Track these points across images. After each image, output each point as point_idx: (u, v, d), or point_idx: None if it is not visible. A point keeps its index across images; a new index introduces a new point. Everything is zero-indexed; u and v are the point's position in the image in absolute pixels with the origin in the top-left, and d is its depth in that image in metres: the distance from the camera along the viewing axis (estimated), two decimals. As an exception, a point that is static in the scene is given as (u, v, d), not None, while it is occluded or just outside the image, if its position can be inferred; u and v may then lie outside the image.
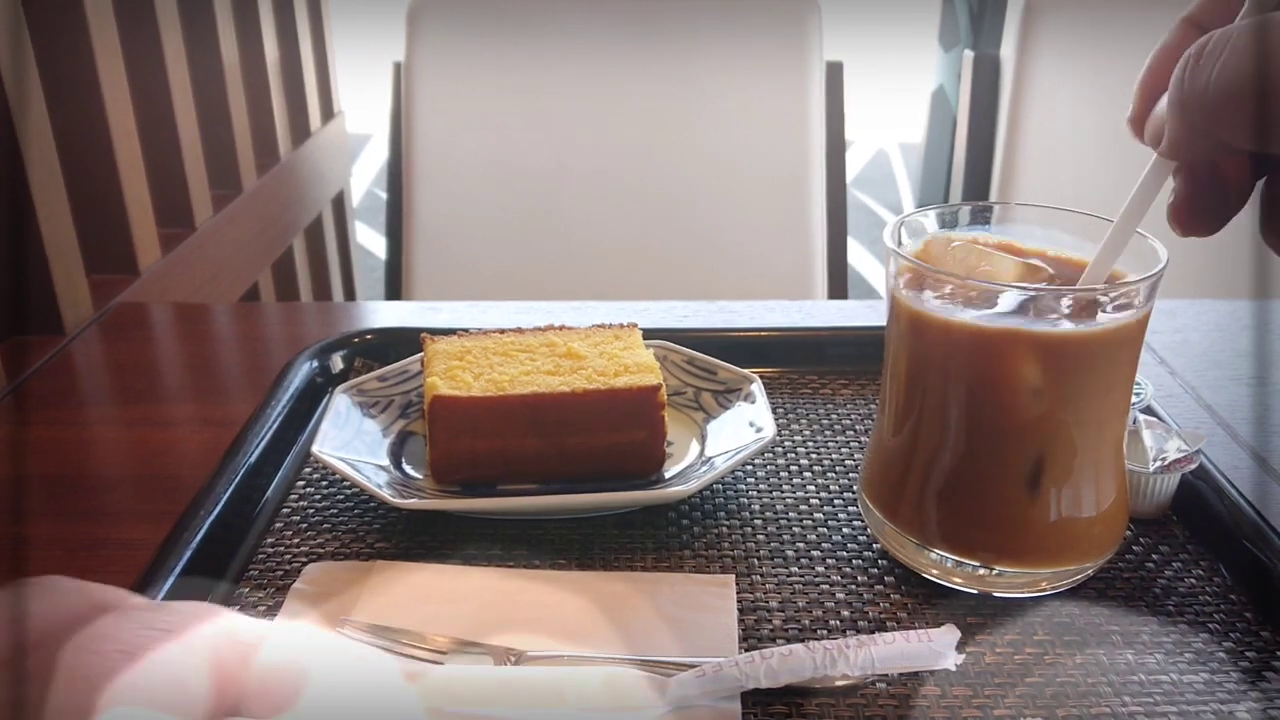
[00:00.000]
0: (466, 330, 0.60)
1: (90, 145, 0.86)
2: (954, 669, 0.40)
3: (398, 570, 0.48)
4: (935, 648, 0.40)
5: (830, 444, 0.60)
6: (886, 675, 0.42)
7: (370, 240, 2.57)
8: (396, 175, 1.27)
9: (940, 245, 0.46)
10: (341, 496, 0.54)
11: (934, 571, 0.47)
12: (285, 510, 0.53)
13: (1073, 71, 1.26)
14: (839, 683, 0.41)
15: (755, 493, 0.55)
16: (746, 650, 0.43)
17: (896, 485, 0.47)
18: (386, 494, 0.49)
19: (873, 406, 0.64)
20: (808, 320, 0.78)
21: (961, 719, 0.40)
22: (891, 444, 0.47)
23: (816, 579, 0.48)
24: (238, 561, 0.49)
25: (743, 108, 1.25)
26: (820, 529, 0.52)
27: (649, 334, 0.61)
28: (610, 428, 0.53)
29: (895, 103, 3.42)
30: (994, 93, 1.31)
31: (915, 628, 0.43)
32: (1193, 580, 0.48)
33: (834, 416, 0.63)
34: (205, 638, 0.28)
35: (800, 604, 0.47)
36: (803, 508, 0.54)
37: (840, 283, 1.28)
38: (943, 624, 0.41)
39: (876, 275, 2.62)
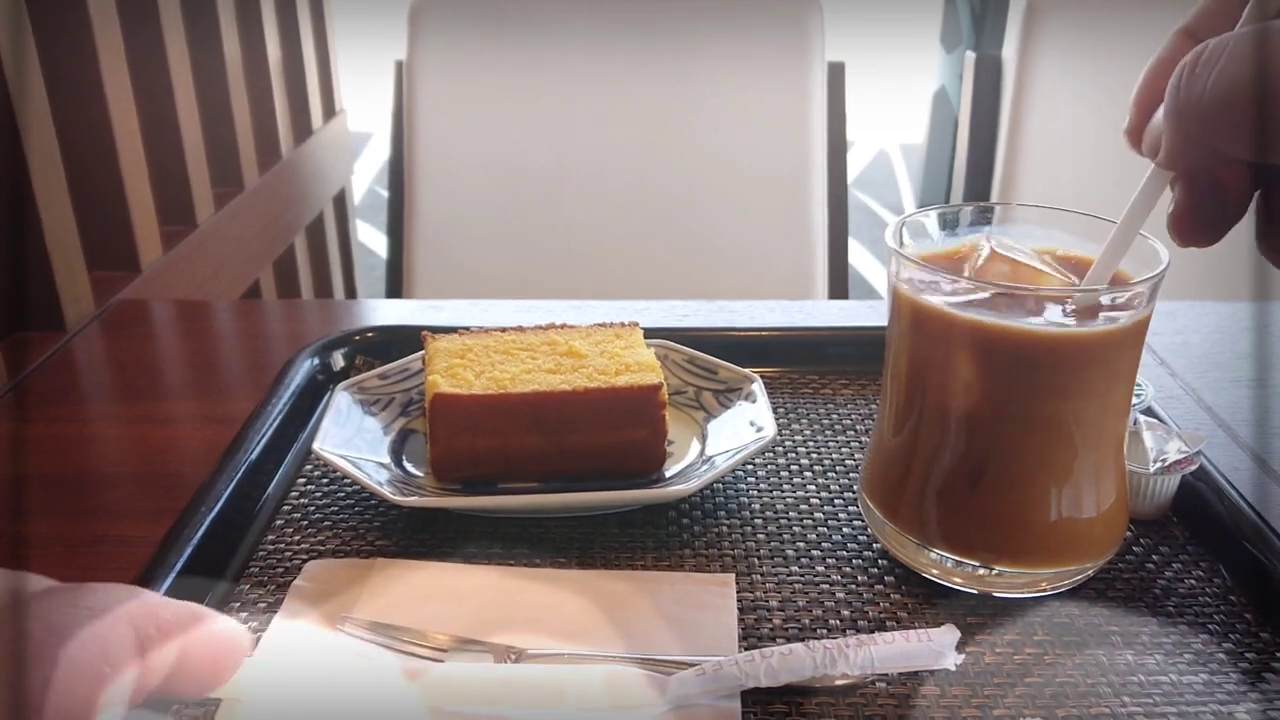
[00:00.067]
0: (467, 328, 0.60)
1: (92, 142, 0.86)
2: (954, 669, 0.40)
3: (398, 568, 0.48)
4: (935, 647, 0.40)
5: (831, 444, 0.60)
6: (886, 675, 0.42)
7: (371, 238, 2.57)
8: (398, 174, 1.27)
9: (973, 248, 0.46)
10: (342, 494, 0.55)
11: (934, 571, 0.47)
12: (286, 507, 0.53)
13: (1074, 72, 1.26)
14: (839, 682, 0.41)
15: (755, 492, 0.55)
16: (746, 649, 0.43)
17: (897, 485, 0.47)
18: (387, 492, 0.49)
19: (873, 406, 0.64)
20: (808, 320, 0.78)
21: (961, 719, 0.40)
22: (892, 444, 0.47)
23: (816, 578, 0.48)
24: (238, 559, 0.49)
25: (744, 108, 1.25)
26: (820, 528, 0.52)
27: (650, 333, 0.61)
28: (611, 426, 0.53)
29: (897, 103, 3.42)
30: (996, 93, 1.31)
31: (915, 627, 0.43)
32: (1193, 581, 0.48)
33: (834, 416, 0.63)
34: (127, 616, 0.30)
35: (800, 603, 0.47)
36: (803, 507, 0.54)
37: (841, 283, 1.28)
38: (943, 624, 0.41)
39: (877, 276, 2.63)
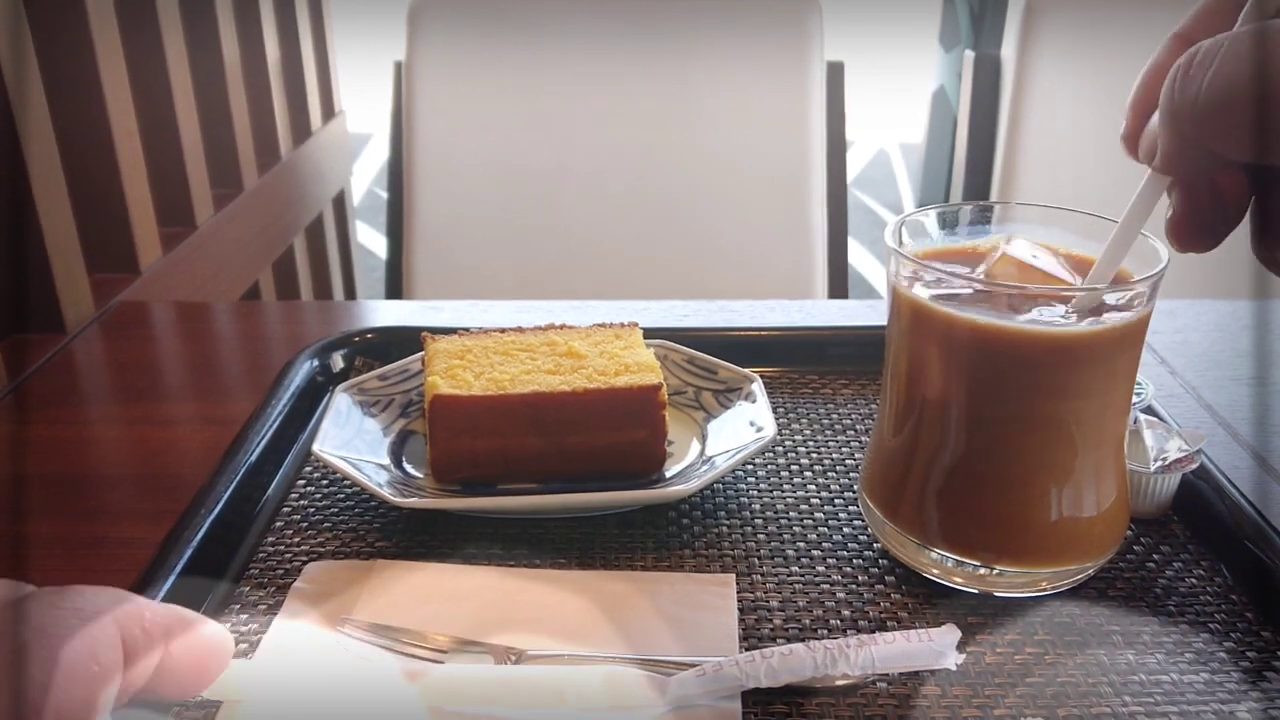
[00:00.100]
0: (467, 329, 0.60)
1: (91, 144, 0.86)
2: (954, 669, 0.40)
3: (398, 569, 0.48)
4: (936, 647, 0.40)
5: (831, 444, 0.60)
6: (887, 675, 0.42)
7: (371, 239, 2.57)
8: (397, 175, 1.27)
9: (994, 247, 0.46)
10: (342, 495, 0.55)
11: (934, 571, 0.47)
12: (286, 509, 0.53)
13: (1073, 72, 1.26)
14: (839, 682, 0.41)
15: (756, 492, 0.55)
16: (747, 650, 0.43)
17: (897, 485, 0.47)
18: (387, 493, 0.49)
19: (873, 406, 0.64)
20: (808, 320, 0.78)
21: (962, 719, 0.40)
22: (892, 443, 0.47)
23: (817, 578, 0.48)
24: (238, 560, 0.49)
25: (743, 107, 1.25)
26: (821, 528, 0.52)
27: (649, 333, 0.61)
28: (611, 427, 0.53)
29: (896, 103, 3.42)
30: (995, 93, 1.31)
31: (916, 627, 0.43)
32: (1193, 580, 0.48)
33: (834, 416, 0.63)
34: (112, 617, 0.30)
35: (800, 603, 0.47)
36: (803, 507, 0.54)
37: (841, 283, 1.28)
38: (943, 624, 0.41)
39: (877, 275, 2.63)
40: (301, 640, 0.44)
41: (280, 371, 0.64)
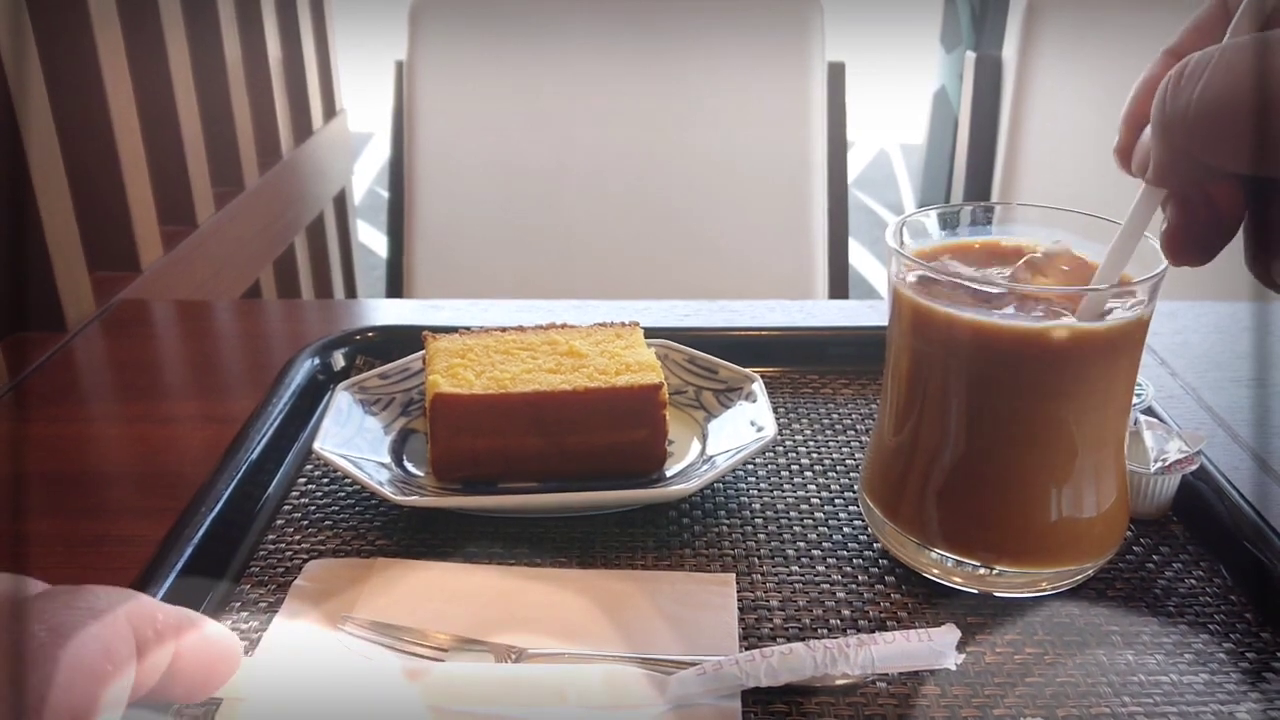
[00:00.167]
0: (468, 328, 0.60)
1: (92, 142, 0.86)
2: (954, 668, 0.40)
3: (399, 568, 0.48)
4: (935, 647, 0.40)
5: (831, 443, 0.60)
6: (887, 674, 0.42)
7: (371, 238, 2.57)
8: (398, 174, 1.27)
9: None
10: (343, 494, 0.55)
11: (934, 571, 0.47)
12: (286, 507, 0.54)
13: (1074, 72, 1.26)
14: (839, 682, 0.41)
15: (756, 492, 0.55)
16: (747, 649, 0.43)
17: (897, 485, 0.47)
18: (388, 491, 0.49)
19: (873, 406, 0.64)
20: (809, 320, 0.78)
21: (961, 718, 0.40)
22: (892, 443, 0.47)
23: (817, 578, 0.48)
24: (239, 558, 0.49)
25: (744, 108, 1.25)
26: (821, 528, 0.52)
27: (650, 333, 0.61)
28: (611, 426, 0.53)
29: (897, 103, 3.42)
30: (996, 93, 1.31)
31: (915, 627, 0.44)
32: (1193, 581, 0.48)
33: (835, 416, 0.63)
34: (126, 616, 0.31)
35: (801, 603, 0.47)
36: (803, 507, 0.54)
37: (841, 283, 1.28)
38: (943, 623, 0.41)
39: (877, 276, 2.63)
40: (302, 638, 0.44)
41: (281, 370, 0.64)
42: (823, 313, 0.81)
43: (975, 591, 0.46)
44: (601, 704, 0.39)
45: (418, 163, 1.25)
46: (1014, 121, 1.27)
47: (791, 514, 0.53)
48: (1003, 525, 0.44)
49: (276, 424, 0.58)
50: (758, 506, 0.54)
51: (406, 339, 0.64)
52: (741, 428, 0.56)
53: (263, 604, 0.46)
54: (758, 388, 0.58)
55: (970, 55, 1.34)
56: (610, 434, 0.53)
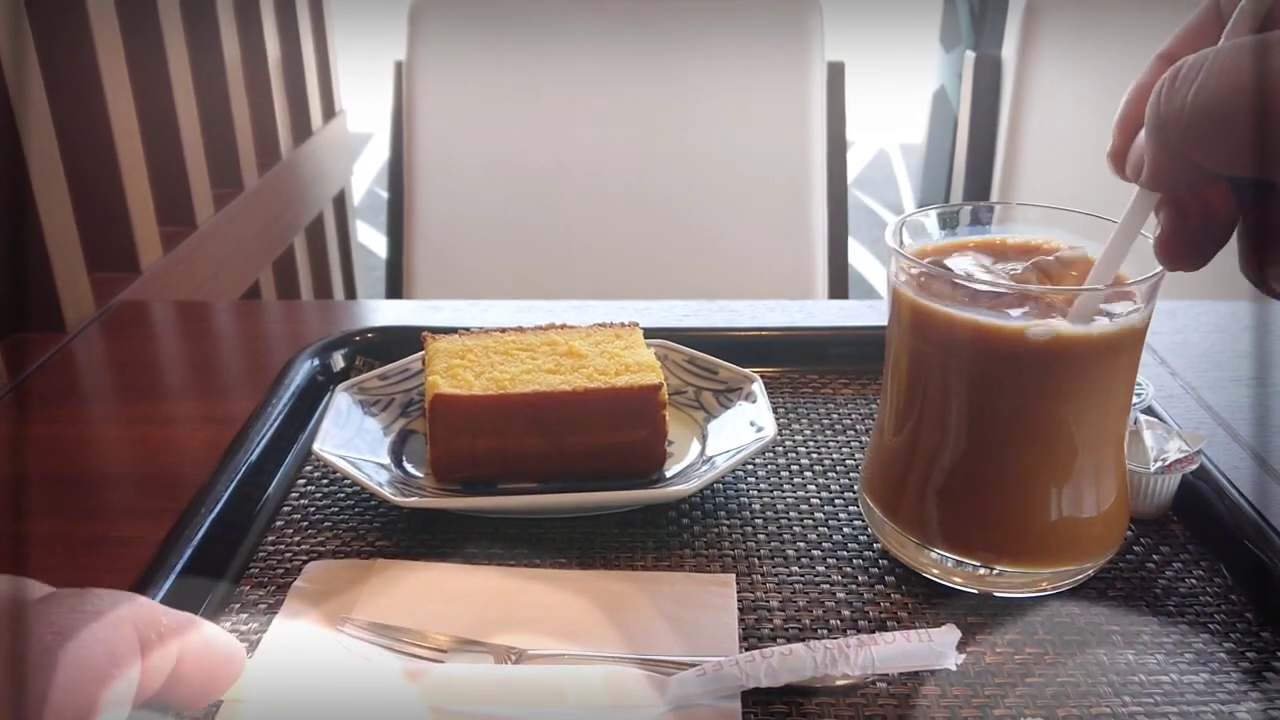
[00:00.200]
0: (467, 329, 0.60)
1: (92, 143, 0.86)
2: (954, 669, 0.40)
3: (399, 569, 0.48)
4: (936, 647, 0.40)
5: (831, 443, 0.60)
6: (887, 675, 0.42)
7: (371, 239, 2.57)
8: (397, 174, 1.27)
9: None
10: (342, 495, 0.55)
11: (934, 571, 0.47)
12: (286, 508, 0.53)
13: (1074, 72, 1.26)
14: (839, 682, 0.41)
15: (756, 492, 0.55)
16: (747, 649, 0.43)
17: (897, 485, 0.47)
18: (387, 492, 0.49)
19: (873, 406, 0.64)
20: (809, 320, 0.78)
21: (961, 719, 0.40)
22: (892, 443, 0.47)
23: (817, 578, 0.48)
24: (239, 559, 0.49)
25: (744, 107, 1.25)
26: (821, 528, 0.52)
27: (650, 333, 0.61)
28: (611, 427, 0.53)
29: (896, 103, 3.42)
30: (995, 93, 1.31)
31: (916, 627, 0.43)
32: (1193, 580, 0.48)
33: (835, 416, 0.63)
34: (130, 619, 0.31)
35: (801, 603, 0.47)
36: (803, 507, 0.54)
37: (841, 283, 1.28)
38: (943, 624, 0.41)
39: (877, 276, 2.63)
40: (302, 640, 0.44)
41: (280, 371, 0.64)
42: (823, 313, 0.81)
43: (975, 591, 0.46)
44: (601, 705, 0.39)
45: (417, 163, 1.25)
46: (1013, 121, 1.27)
47: (791, 514, 0.53)
48: (1003, 525, 0.44)
49: (276, 425, 0.58)
50: (758, 507, 0.54)
51: (406, 340, 0.64)
52: (741, 428, 0.56)
53: (262, 605, 0.46)
54: (757, 388, 0.58)
55: (970, 55, 1.34)
56: (610, 434, 0.53)
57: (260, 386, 0.65)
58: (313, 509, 0.53)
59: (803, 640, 0.41)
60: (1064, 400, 0.42)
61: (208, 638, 0.35)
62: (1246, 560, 0.48)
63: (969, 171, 1.33)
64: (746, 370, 0.60)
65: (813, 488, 0.56)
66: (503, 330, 0.59)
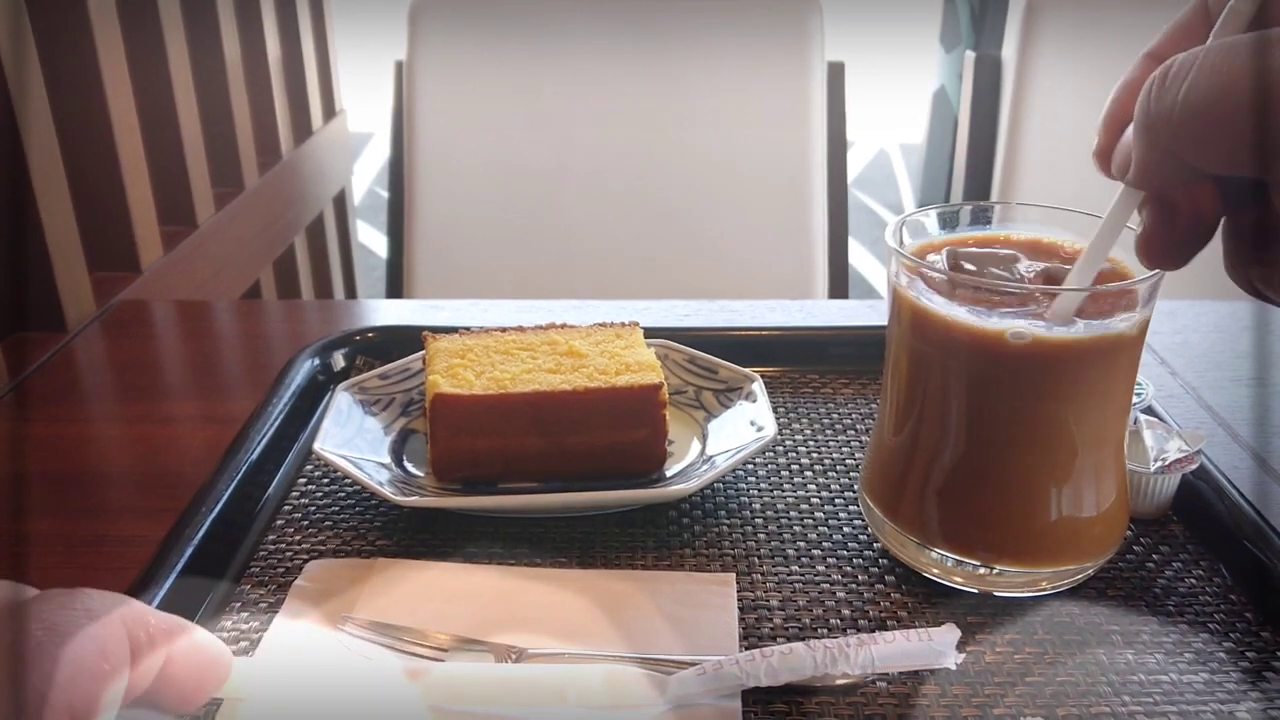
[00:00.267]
0: (468, 328, 0.60)
1: (92, 142, 0.86)
2: (954, 668, 0.40)
3: (399, 568, 0.48)
4: (935, 647, 0.40)
5: (831, 443, 0.60)
6: (887, 674, 0.42)
7: (371, 239, 2.57)
8: (398, 174, 1.27)
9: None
10: (343, 494, 0.55)
11: (934, 571, 0.47)
12: (287, 507, 0.54)
13: (1074, 72, 1.26)
14: (839, 681, 0.41)
15: (756, 492, 0.55)
16: (747, 648, 0.43)
17: (897, 484, 0.47)
18: (388, 492, 0.49)
19: (873, 406, 0.64)
20: (809, 320, 0.78)
21: (961, 718, 0.40)
22: (892, 443, 0.47)
23: (817, 578, 0.48)
24: (239, 558, 0.49)
25: (744, 107, 1.25)
26: (821, 528, 0.52)
27: (650, 333, 0.61)
28: (611, 426, 0.53)
29: (896, 103, 3.42)
30: (995, 93, 1.31)
31: (916, 627, 0.44)
32: (1193, 580, 0.48)
33: (835, 416, 0.63)
34: (120, 618, 0.31)
35: (801, 603, 0.47)
36: (803, 507, 0.54)
37: (841, 283, 1.28)
38: (943, 623, 0.41)
39: (877, 276, 2.63)
40: (302, 639, 0.44)
41: (281, 370, 0.64)
42: (823, 313, 0.81)
43: (975, 591, 0.46)
44: (601, 704, 0.39)
45: (418, 163, 1.25)
46: (1013, 121, 1.27)
47: (791, 514, 0.53)
48: (1003, 525, 0.44)
49: (276, 424, 0.58)
50: (758, 506, 0.54)
51: (406, 339, 0.64)
52: (741, 428, 0.56)
53: (263, 604, 0.46)
54: (758, 388, 0.58)
55: (970, 55, 1.34)
56: (610, 434, 0.53)
57: (261, 386, 0.65)
58: (313, 508, 0.53)
59: (803, 639, 0.41)
60: (1064, 401, 0.42)
61: (195, 640, 0.35)
62: (1246, 560, 0.48)
63: (969, 171, 1.33)
64: (747, 370, 0.60)
65: (813, 487, 0.56)
66: (503, 330, 0.59)
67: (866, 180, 3.34)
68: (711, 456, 0.55)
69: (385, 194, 1.34)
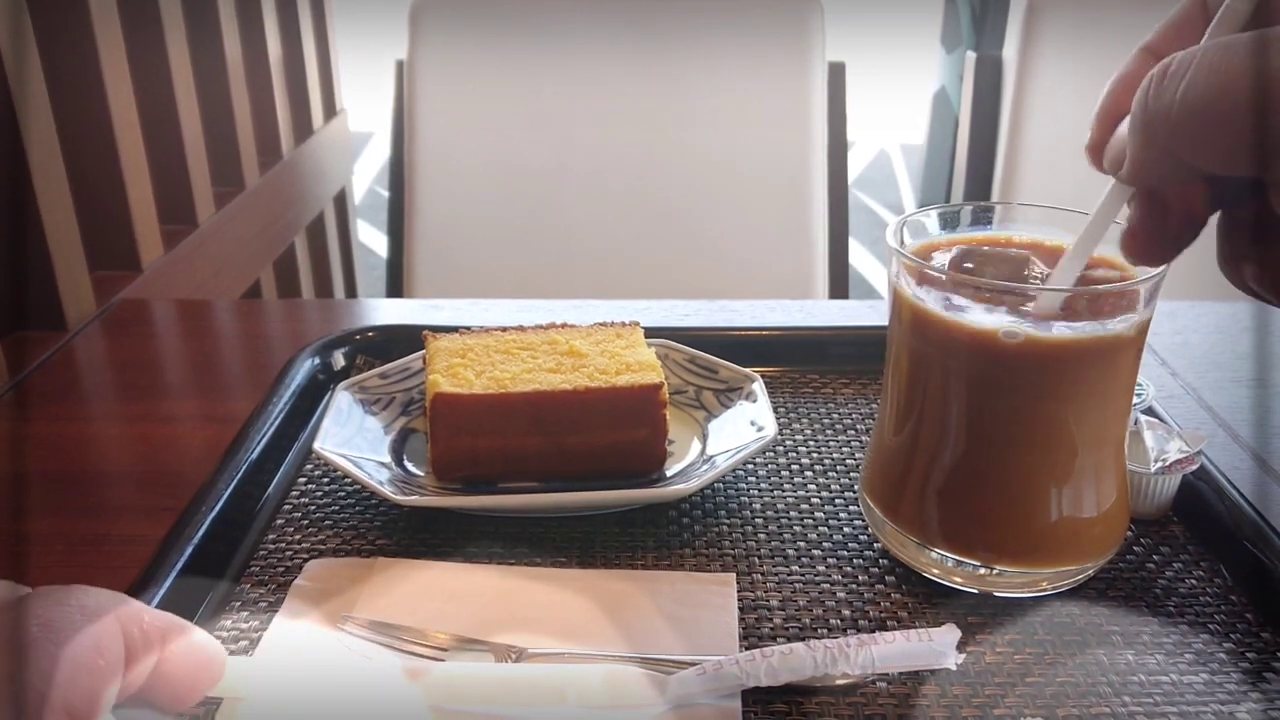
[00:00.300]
0: (468, 328, 0.60)
1: (93, 142, 0.86)
2: (954, 668, 0.40)
3: (399, 567, 0.48)
4: (936, 647, 0.40)
5: (831, 443, 0.60)
6: (887, 674, 0.42)
7: (372, 238, 2.57)
8: (398, 173, 1.27)
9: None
10: (343, 493, 0.55)
11: (935, 571, 0.47)
12: (287, 507, 0.54)
13: (1075, 72, 1.26)
14: (839, 681, 0.41)
15: (756, 491, 0.55)
16: (747, 649, 0.43)
17: (897, 484, 0.47)
18: (388, 491, 0.49)
19: (874, 406, 0.64)
20: (809, 319, 0.78)
21: (961, 718, 0.40)
22: (892, 443, 0.47)
23: (817, 578, 0.48)
24: (239, 558, 0.49)
25: (744, 108, 1.25)
26: (821, 528, 0.52)
27: (651, 332, 0.61)
28: (612, 426, 0.53)
29: (897, 103, 3.42)
30: (996, 94, 1.31)
31: (916, 627, 0.44)
32: (1193, 581, 0.48)
33: (835, 416, 0.63)
34: (115, 615, 0.31)
35: (801, 603, 0.47)
36: (804, 507, 0.54)
37: (841, 283, 1.28)
38: (943, 623, 0.41)
39: (878, 276, 2.63)
40: (302, 638, 0.44)
41: (281, 369, 0.64)
42: (823, 313, 0.81)
43: (975, 591, 0.46)
44: (601, 704, 0.39)
45: (418, 162, 1.25)
46: (1014, 121, 1.27)
47: (791, 514, 0.53)
48: (1003, 525, 0.44)
49: (277, 424, 0.58)
50: (758, 506, 0.54)
51: (406, 339, 0.64)
52: (742, 427, 0.56)
53: (263, 604, 0.46)
54: (758, 387, 0.58)
55: (970, 55, 1.34)
56: (610, 434, 0.53)
57: (261, 385, 0.65)
58: (313, 507, 0.53)
59: (803, 639, 0.41)
60: (1064, 401, 0.42)
61: (189, 638, 0.35)
62: (1246, 561, 0.48)
63: (969, 172, 1.33)
64: (747, 370, 0.60)
65: (813, 487, 0.56)
66: (503, 329, 0.59)
67: (867, 180, 3.33)
68: (712, 456, 0.55)
69: (385, 193, 1.34)
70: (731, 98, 1.24)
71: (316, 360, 0.66)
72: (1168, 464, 0.51)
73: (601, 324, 0.60)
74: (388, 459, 0.55)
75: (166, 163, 0.99)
